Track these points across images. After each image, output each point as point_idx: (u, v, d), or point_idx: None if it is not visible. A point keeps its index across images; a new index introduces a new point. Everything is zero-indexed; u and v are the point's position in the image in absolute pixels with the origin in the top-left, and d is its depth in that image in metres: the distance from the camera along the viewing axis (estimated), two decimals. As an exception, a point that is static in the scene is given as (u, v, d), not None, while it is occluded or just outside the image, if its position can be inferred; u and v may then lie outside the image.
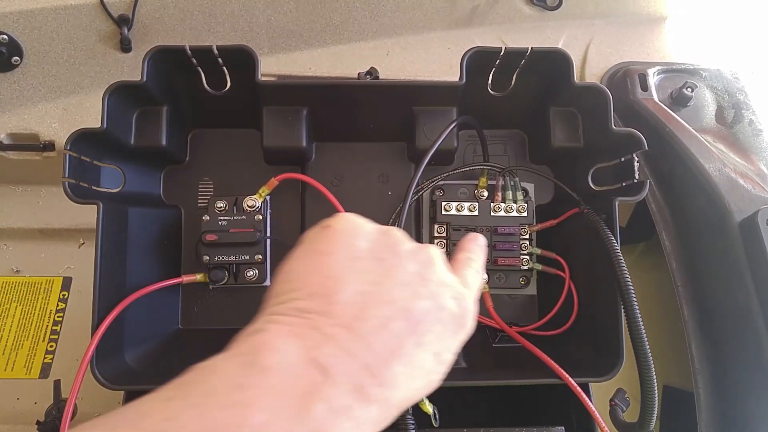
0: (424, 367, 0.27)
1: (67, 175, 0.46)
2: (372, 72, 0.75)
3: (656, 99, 0.74)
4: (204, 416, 0.21)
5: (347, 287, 0.28)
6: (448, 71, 0.82)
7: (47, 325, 0.77)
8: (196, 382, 0.23)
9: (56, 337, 0.76)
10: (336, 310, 0.27)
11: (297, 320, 0.26)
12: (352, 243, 0.30)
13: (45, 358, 0.75)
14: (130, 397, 0.49)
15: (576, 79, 0.53)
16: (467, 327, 0.31)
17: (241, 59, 0.51)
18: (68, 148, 0.46)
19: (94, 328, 0.45)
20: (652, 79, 0.76)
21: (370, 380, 0.25)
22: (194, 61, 0.51)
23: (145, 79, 0.49)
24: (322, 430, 0.23)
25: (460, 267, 0.34)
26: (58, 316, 0.77)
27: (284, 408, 0.22)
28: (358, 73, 0.75)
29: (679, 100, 0.74)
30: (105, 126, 0.48)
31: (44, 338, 0.76)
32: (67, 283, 0.79)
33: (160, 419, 0.21)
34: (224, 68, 0.53)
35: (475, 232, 0.58)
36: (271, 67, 0.81)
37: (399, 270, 0.29)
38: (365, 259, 0.29)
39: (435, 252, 0.32)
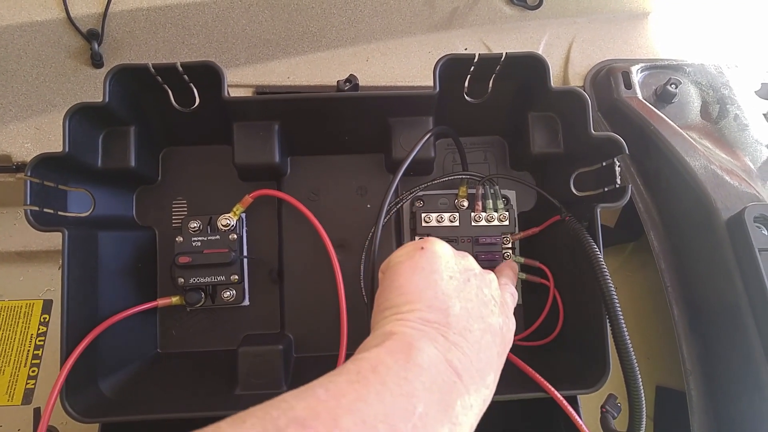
0: (497, 370, 0.36)
1: (29, 202, 0.44)
2: (351, 80, 0.74)
3: (640, 97, 0.73)
4: (384, 402, 0.26)
5: (455, 303, 0.34)
6: (430, 75, 0.81)
7: (28, 350, 0.75)
8: (369, 370, 0.28)
9: (38, 361, 0.75)
10: (452, 322, 0.33)
11: (426, 328, 0.32)
12: (448, 264, 0.37)
13: (27, 383, 0.74)
14: (105, 429, 0.48)
15: (560, 78, 0.52)
16: (511, 338, 0.39)
17: (208, 75, 0.49)
18: (29, 173, 0.45)
19: (63, 360, 0.44)
20: (636, 77, 0.75)
21: (481, 382, 0.32)
22: (159, 79, 0.50)
23: (107, 99, 0.48)
24: (458, 422, 0.29)
25: (502, 291, 0.41)
26: (39, 341, 0.76)
27: (435, 402, 0.28)
28: (338, 81, 0.74)
29: (663, 97, 0.73)
30: (67, 150, 0.46)
31: (26, 363, 0.75)
32: (47, 305, 0.78)
33: (353, 400, 0.26)
34: (191, 85, 0.51)
35: (455, 242, 0.57)
36: (248, 78, 0.79)
37: (479, 291, 0.37)
38: (458, 279, 0.36)
39: (492, 276, 0.40)
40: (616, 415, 0.51)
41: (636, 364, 0.44)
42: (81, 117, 0.48)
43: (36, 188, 0.45)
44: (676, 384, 0.72)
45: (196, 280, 0.53)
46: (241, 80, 0.78)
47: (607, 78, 0.76)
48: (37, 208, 0.45)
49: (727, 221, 0.59)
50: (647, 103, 0.71)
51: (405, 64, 0.82)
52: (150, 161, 0.58)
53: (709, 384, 0.61)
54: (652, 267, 0.68)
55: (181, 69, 0.48)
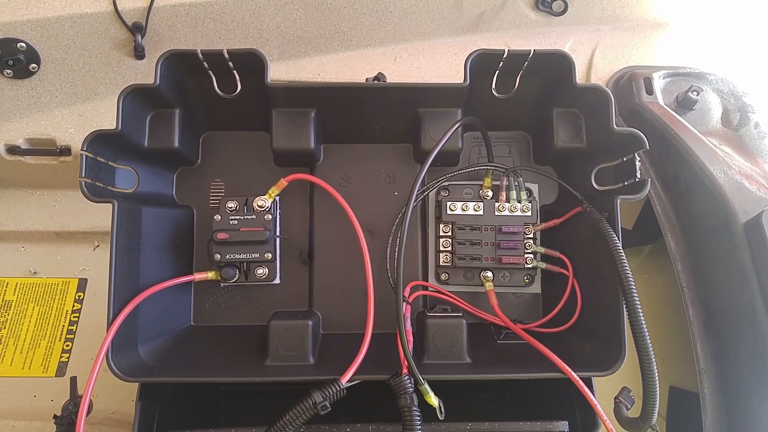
0: None
1: (83, 175, 0.48)
2: (379, 77, 0.77)
3: (662, 102, 0.74)
4: None
5: None
6: (455, 76, 0.83)
7: (63, 325, 0.79)
8: None
9: (72, 336, 0.78)
10: None
11: None
12: None
13: (61, 357, 0.77)
14: (144, 390, 0.50)
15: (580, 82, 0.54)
16: None
17: (251, 63, 0.53)
18: (85, 148, 0.48)
19: (110, 322, 0.47)
20: (658, 83, 0.77)
21: None
22: (206, 65, 0.53)
23: (158, 82, 0.51)
24: None
25: None
26: (74, 317, 0.79)
27: None
28: (366, 79, 0.77)
29: (684, 104, 0.75)
30: (120, 128, 0.50)
31: (60, 338, 0.78)
32: (82, 284, 0.81)
33: None
34: (234, 72, 0.54)
35: (479, 230, 0.60)
36: (280, 73, 0.82)
37: None
38: None
39: None
40: (629, 406, 0.52)
41: (649, 339, 0.45)
42: (133, 98, 0.51)
43: (90, 162, 0.49)
44: (690, 385, 0.73)
45: (232, 256, 0.56)
46: (273, 75, 0.81)
47: (629, 83, 0.77)
48: (90, 181, 0.48)
49: (745, 224, 0.61)
50: (668, 109, 0.73)
51: (431, 65, 0.85)
52: (191, 143, 0.61)
53: (722, 383, 0.62)
54: (667, 270, 0.69)
55: (227, 56, 0.52)
